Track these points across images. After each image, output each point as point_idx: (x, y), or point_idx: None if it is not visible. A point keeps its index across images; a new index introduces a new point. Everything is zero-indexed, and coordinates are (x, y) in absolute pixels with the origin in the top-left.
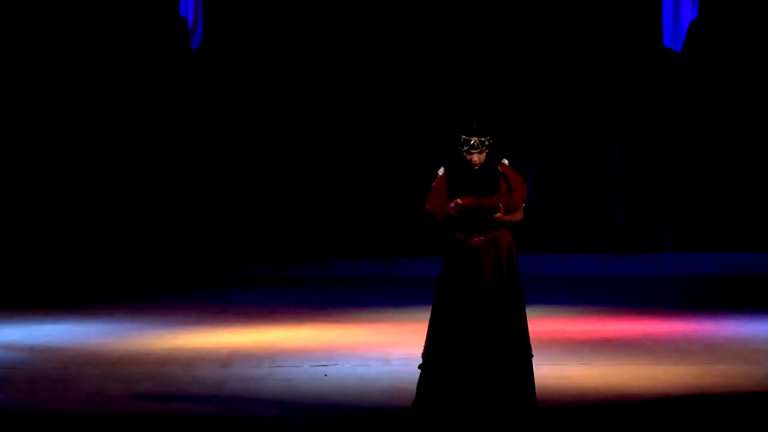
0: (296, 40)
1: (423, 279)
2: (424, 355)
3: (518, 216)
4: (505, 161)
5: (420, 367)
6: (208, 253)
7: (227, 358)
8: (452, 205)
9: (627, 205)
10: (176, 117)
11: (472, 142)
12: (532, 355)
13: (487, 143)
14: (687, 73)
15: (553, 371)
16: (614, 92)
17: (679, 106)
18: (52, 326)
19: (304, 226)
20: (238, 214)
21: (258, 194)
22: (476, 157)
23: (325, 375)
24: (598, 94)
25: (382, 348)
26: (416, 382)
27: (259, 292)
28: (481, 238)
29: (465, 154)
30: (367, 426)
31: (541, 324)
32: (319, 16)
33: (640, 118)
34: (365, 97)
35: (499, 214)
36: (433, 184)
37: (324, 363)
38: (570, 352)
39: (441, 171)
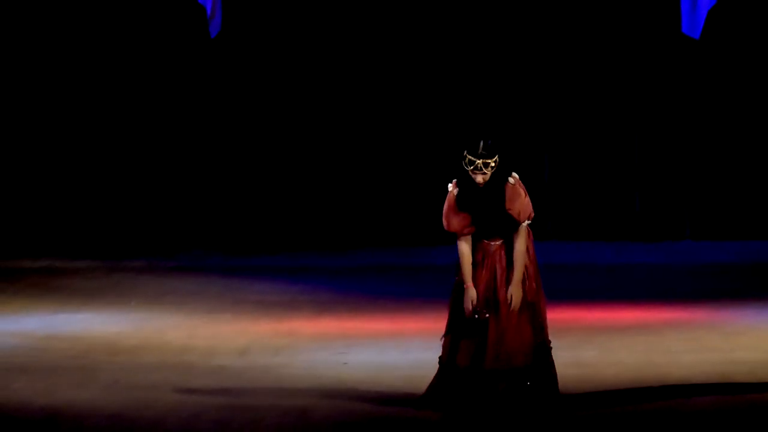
0: (316, 30)
1: (441, 267)
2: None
3: (520, 242)
4: (511, 180)
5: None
6: (226, 242)
7: (245, 347)
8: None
9: (645, 193)
10: (195, 105)
11: (476, 163)
12: (551, 347)
13: (492, 165)
14: (706, 60)
15: (570, 359)
16: (632, 80)
17: (698, 93)
18: (70, 315)
19: (322, 215)
20: (257, 202)
21: (277, 183)
22: (480, 178)
23: (345, 363)
24: (616, 82)
25: (401, 336)
26: (433, 371)
27: (278, 281)
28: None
29: (470, 173)
30: (386, 413)
31: (558, 312)
32: (340, 6)
33: (658, 106)
34: (384, 86)
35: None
36: (447, 202)
37: (343, 351)
38: (587, 340)
39: (451, 186)
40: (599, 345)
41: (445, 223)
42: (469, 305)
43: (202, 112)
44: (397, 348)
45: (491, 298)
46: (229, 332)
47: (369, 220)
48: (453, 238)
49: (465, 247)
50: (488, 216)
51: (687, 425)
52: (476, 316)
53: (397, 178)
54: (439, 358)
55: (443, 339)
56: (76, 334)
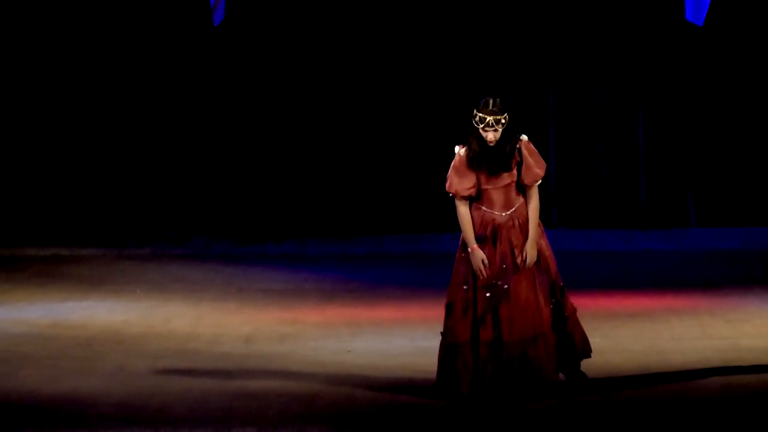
0: (319, 15)
1: (448, 255)
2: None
3: (535, 201)
4: (524, 138)
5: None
6: (232, 229)
7: (251, 335)
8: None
9: (650, 181)
10: (199, 93)
11: (487, 120)
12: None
13: (503, 121)
14: (710, 47)
15: None
16: (636, 68)
17: (702, 81)
18: (76, 303)
19: (328, 202)
20: (263, 190)
21: (282, 170)
22: (491, 135)
23: (349, 351)
24: (621, 70)
25: (406, 324)
26: (439, 356)
27: (283, 268)
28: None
29: (481, 131)
30: (391, 401)
31: None
32: None
33: (662, 94)
34: (389, 71)
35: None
36: (453, 163)
37: (348, 339)
38: (593, 328)
39: (457, 149)
40: (605, 332)
41: (447, 183)
42: (480, 265)
43: (206, 99)
44: (402, 336)
45: (510, 267)
46: (234, 320)
47: (375, 207)
48: (457, 225)
49: (464, 209)
50: (500, 173)
51: (692, 411)
52: (488, 293)
53: (403, 165)
54: (445, 338)
55: (455, 320)
56: (82, 322)
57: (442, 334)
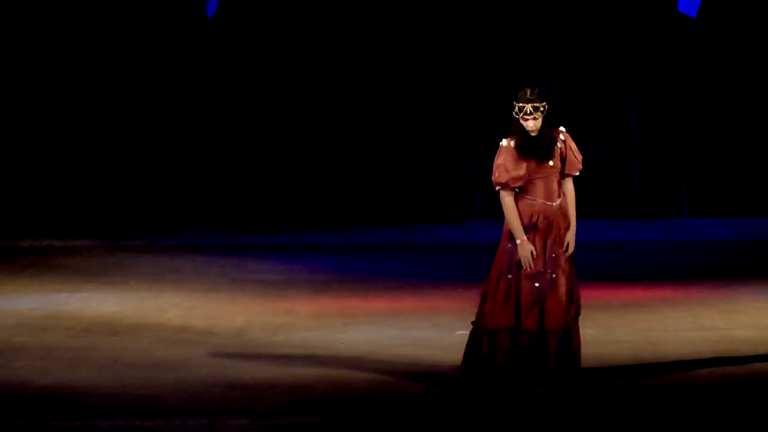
0: (313, 5)
1: (443, 246)
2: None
3: (572, 190)
4: (562, 129)
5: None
6: (225, 220)
7: (244, 326)
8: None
9: (644, 170)
10: (193, 84)
11: (525, 108)
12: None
13: (541, 109)
14: (702, 38)
15: None
16: (630, 58)
17: (695, 71)
18: (69, 295)
19: (321, 193)
20: (256, 181)
21: (276, 161)
22: (531, 123)
23: (342, 342)
24: (614, 60)
25: (399, 315)
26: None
27: (276, 259)
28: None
29: (521, 120)
30: (385, 390)
31: None
32: None
33: (656, 84)
34: (384, 63)
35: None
36: (500, 157)
37: (341, 330)
38: (586, 318)
39: (504, 142)
40: (598, 323)
41: (495, 174)
42: (529, 257)
43: (200, 90)
44: (395, 326)
45: (558, 256)
46: (227, 311)
47: (368, 198)
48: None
49: (510, 201)
50: (545, 162)
51: (685, 402)
52: (536, 283)
53: (398, 155)
54: (480, 324)
55: (495, 306)
56: (76, 313)
57: (474, 323)
